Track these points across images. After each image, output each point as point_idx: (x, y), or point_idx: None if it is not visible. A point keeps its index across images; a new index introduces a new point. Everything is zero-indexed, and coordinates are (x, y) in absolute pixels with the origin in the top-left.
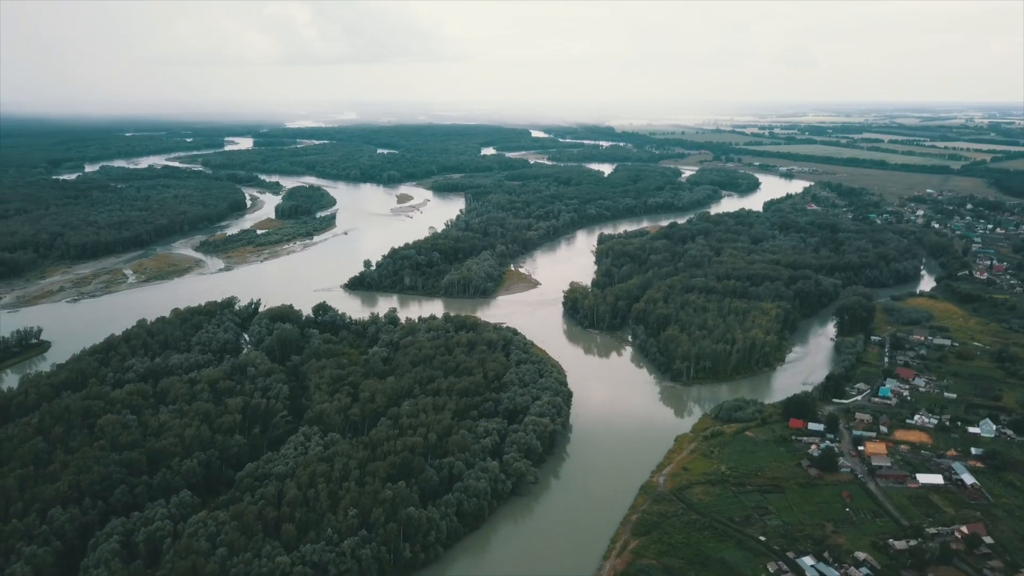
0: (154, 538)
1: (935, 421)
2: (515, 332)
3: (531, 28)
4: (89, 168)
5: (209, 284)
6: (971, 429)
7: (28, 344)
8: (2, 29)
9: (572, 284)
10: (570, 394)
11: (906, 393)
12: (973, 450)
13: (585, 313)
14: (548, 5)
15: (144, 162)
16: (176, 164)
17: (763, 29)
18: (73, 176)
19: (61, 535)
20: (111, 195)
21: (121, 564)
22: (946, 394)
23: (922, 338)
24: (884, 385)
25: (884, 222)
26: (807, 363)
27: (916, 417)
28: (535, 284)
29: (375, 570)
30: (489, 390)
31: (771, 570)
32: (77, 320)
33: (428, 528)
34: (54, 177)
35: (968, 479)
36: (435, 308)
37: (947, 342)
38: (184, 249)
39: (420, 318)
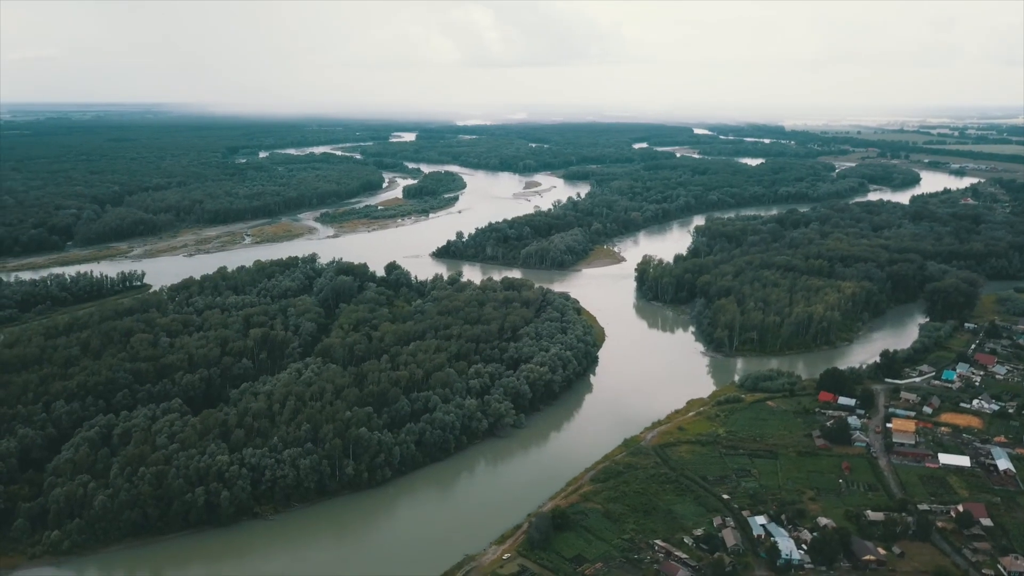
0: (128, 433)
1: (995, 407)
2: (566, 297)
3: (714, 29)
4: (262, 155)
5: (312, 246)
6: None
7: (131, 285)
8: (211, 36)
9: (645, 257)
10: (586, 351)
11: (977, 379)
12: None
13: (650, 285)
14: (734, 5)
15: (311, 151)
16: (337, 152)
17: (970, 26)
18: (243, 160)
19: (57, 424)
20: (263, 174)
21: (89, 449)
22: None
23: None
24: (952, 368)
25: None
26: (882, 344)
27: (975, 402)
28: (619, 260)
29: (313, 481)
30: (500, 339)
31: (715, 523)
32: (185, 269)
33: (378, 450)
34: (226, 160)
35: (1003, 464)
36: (512, 276)
37: None
38: (306, 219)
39: (483, 280)
